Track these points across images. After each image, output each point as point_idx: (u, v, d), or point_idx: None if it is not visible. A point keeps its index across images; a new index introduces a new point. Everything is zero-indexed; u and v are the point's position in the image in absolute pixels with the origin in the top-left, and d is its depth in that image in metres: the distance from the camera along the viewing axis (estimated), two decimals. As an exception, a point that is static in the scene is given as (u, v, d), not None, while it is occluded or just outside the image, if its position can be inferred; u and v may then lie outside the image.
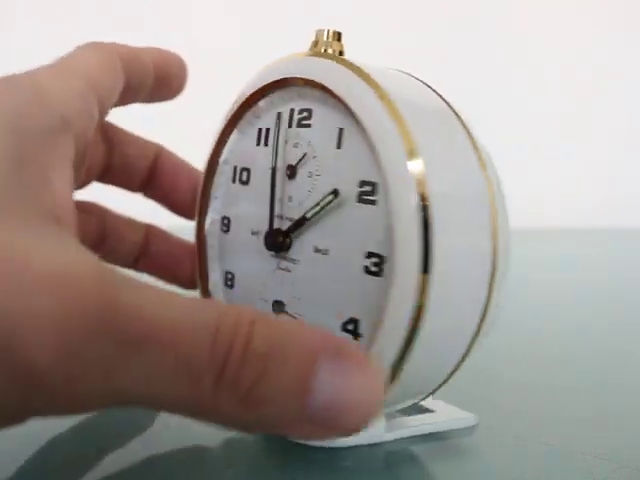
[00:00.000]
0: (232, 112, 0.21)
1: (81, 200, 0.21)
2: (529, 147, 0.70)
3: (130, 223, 0.24)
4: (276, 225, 0.19)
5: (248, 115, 0.20)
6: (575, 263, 0.54)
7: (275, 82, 0.19)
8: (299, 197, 0.18)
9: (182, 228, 0.25)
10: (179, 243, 0.24)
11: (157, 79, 0.21)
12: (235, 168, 0.21)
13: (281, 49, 0.21)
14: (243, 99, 0.20)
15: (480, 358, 0.28)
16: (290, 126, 0.19)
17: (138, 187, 0.24)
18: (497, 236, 0.17)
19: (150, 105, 0.22)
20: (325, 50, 0.18)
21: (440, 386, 0.19)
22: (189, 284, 0.24)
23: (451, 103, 0.18)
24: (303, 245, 0.18)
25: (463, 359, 0.18)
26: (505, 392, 0.25)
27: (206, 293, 0.22)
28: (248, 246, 0.20)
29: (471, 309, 0.17)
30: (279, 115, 0.19)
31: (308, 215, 0.18)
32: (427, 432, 0.20)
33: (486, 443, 0.21)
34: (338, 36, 0.19)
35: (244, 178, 0.21)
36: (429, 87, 0.19)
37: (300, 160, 0.18)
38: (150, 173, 0.23)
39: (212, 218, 0.22)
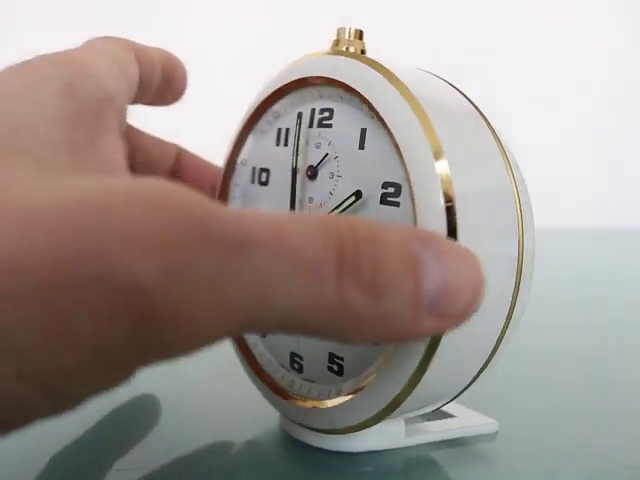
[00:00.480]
0: (251, 112, 0.20)
1: None
2: (529, 147, 0.71)
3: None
4: None
5: (267, 115, 0.20)
6: (575, 263, 0.54)
7: (295, 81, 0.19)
8: (320, 198, 0.18)
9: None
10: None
11: (162, 81, 0.20)
12: (254, 169, 0.21)
13: (297, 49, 0.21)
14: (263, 99, 0.20)
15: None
16: (311, 126, 0.19)
17: None
18: (523, 238, 0.17)
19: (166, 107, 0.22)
20: (347, 49, 0.18)
21: (464, 390, 0.19)
22: None
23: (476, 104, 0.18)
24: None
25: (487, 363, 0.18)
26: (505, 391, 0.25)
27: None
28: None
29: (497, 312, 0.17)
30: (300, 115, 0.19)
31: None
32: (448, 438, 0.20)
33: (484, 442, 0.21)
34: (360, 34, 0.18)
35: (263, 179, 0.20)
36: (454, 87, 0.19)
37: (321, 161, 0.18)
38: (172, 174, 0.22)
39: None
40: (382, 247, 0.12)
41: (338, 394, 0.18)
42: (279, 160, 0.20)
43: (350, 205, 0.17)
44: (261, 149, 0.21)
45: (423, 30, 0.67)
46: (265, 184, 0.20)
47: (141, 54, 0.19)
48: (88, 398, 0.11)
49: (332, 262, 0.11)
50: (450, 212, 0.15)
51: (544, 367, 0.28)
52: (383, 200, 0.17)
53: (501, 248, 0.17)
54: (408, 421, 0.20)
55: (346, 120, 0.18)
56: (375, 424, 0.17)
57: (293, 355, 0.19)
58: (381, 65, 0.17)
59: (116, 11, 0.60)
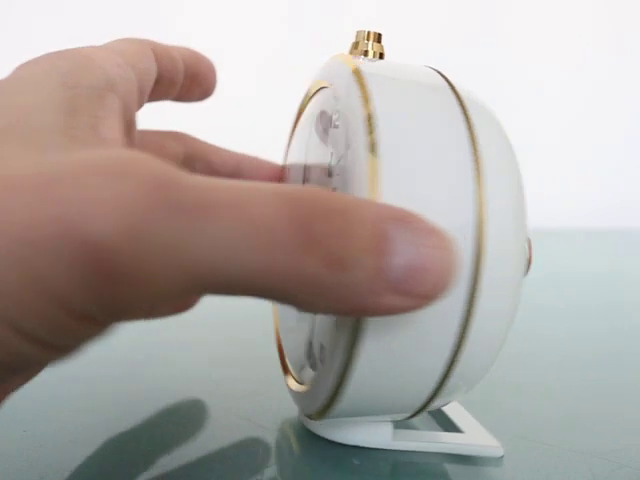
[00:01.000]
0: (296, 115, 0.21)
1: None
2: (528, 147, 0.71)
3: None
4: None
5: (304, 116, 0.21)
6: (575, 263, 0.54)
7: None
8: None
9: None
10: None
11: (187, 77, 0.21)
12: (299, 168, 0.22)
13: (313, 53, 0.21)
14: (300, 103, 0.21)
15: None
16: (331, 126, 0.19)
17: None
18: (483, 198, 0.14)
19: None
20: (366, 52, 0.18)
21: (436, 393, 0.17)
22: None
23: (457, 87, 0.17)
24: None
25: (454, 357, 0.16)
26: (504, 392, 0.25)
27: None
28: None
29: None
30: (321, 114, 0.19)
31: None
32: (435, 451, 0.20)
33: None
34: (378, 37, 0.19)
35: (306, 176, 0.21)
36: (449, 84, 0.17)
37: (333, 161, 0.18)
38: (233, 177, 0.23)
39: None
40: (351, 221, 0.12)
41: (303, 383, 0.19)
42: (318, 159, 0.20)
43: None
44: (300, 149, 0.21)
45: (422, 30, 0.67)
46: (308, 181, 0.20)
47: (159, 50, 0.19)
48: (72, 348, 0.12)
49: (291, 231, 0.11)
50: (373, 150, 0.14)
51: (543, 369, 0.28)
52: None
53: (438, 205, 0.14)
54: (398, 425, 0.20)
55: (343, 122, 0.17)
56: (322, 418, 0.17)
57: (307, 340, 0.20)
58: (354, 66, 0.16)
59: (131, 19, 0.60)
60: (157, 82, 0.19)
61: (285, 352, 0.22)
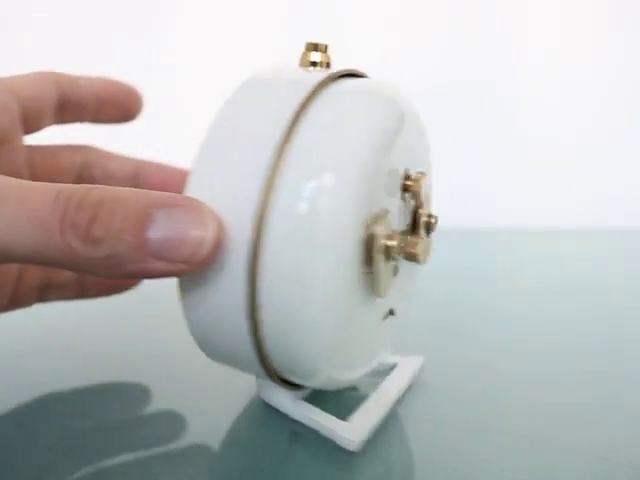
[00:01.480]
0: None
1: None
2: (529, 147, 0.71)
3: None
4: None
5: None
6: (576, 263, 0.54)
7: None
8: None
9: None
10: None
11: (99, 102, 0.26)
12: None
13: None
14: None
15: (480, 356, 0.29)
16: None
17: None
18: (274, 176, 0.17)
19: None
20: (314, 62, 0.19)
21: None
22: None
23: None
24: None
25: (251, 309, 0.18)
26: (505, 389, 0.25)
27: None
28: None
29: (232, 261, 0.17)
30: None
31: None
32: (311, 425, 0.21)
33: (485, 443, 0.21)
34: (325, 48, 0.20)
35: None
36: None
37: None
38: (134, 183, 0.27)
39: None
40: (105, 208, 0.16)
41: None
42: None
43: None
44: None
45: (423, 32, 0.68)
46: None
47: (64, 80, 0.24)
48: None
49: (57, 218, 0.15)
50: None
51: (543, 365, 0.28)
52: None
53: (225, 197, 0.17)
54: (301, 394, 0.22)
55: None
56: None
57: None
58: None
59: (129, 21, 0.61)
60: (63, 106, 0.25)
61: None
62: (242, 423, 0.22)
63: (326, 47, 0.19)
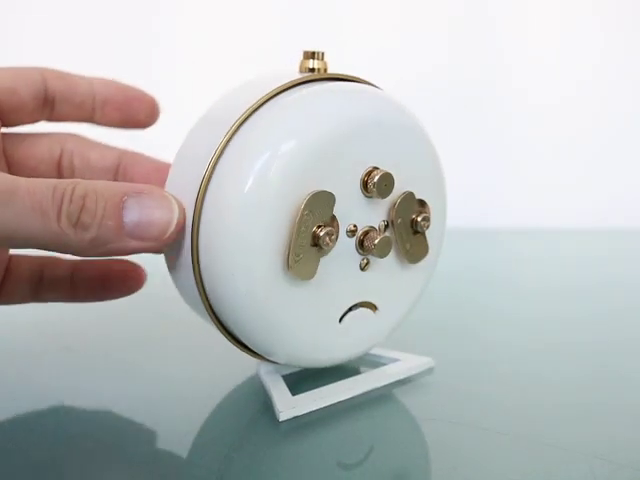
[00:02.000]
0: None
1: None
2: (529, 147, 0.71)
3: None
4: None
5: None
6: (576, 263, 0.54)
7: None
8: None
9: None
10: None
11: (100, 103, 0.26)
12: None
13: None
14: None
15: (480, 355, 0.29)
16: None
17: None
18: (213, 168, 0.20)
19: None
20: (312, 69, 0.20)
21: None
22: None
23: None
24: None
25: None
26: (505, 389, 0.25)
27: None
28: None
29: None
30: None
31: None
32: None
33: (486, 443, 0.21)
34: (322, 55, 0.21)
35: None
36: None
37: None
38: (115, 173, 0.27)
39: None
40: (90, 199, 0.19)
41: None
42: None
43: None
44: None
45: (424, 33, 0.68)
46: None
47: (53, 76, 0.25)
48: None
49: (56, 209, 0.18)
50: None
51: (543, 366, 0.28)
52: None
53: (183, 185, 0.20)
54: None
55: None
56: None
57: None
58: None
59: (129, 23, 0.61)
60: (53, 102, 0.25)
61: None
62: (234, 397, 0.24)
63: (323, 54, 0.20)
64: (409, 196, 0.22)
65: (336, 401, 0.23)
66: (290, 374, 0.25)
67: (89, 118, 0.27)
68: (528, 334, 0.33)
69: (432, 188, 0.24)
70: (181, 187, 0.20)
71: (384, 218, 0.22)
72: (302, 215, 0.19)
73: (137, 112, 0.27)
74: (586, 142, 0.71)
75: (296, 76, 0.20)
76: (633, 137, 0.72)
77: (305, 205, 0.19)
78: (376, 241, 0.21)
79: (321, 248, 0.20)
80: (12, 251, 0.26)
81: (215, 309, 0.21)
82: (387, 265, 0.23)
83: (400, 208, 0.22)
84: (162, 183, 0.22)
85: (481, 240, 0.61)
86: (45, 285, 0.26)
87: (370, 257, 0.22)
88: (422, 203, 0.23)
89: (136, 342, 0.30)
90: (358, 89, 0.21)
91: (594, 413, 0.23)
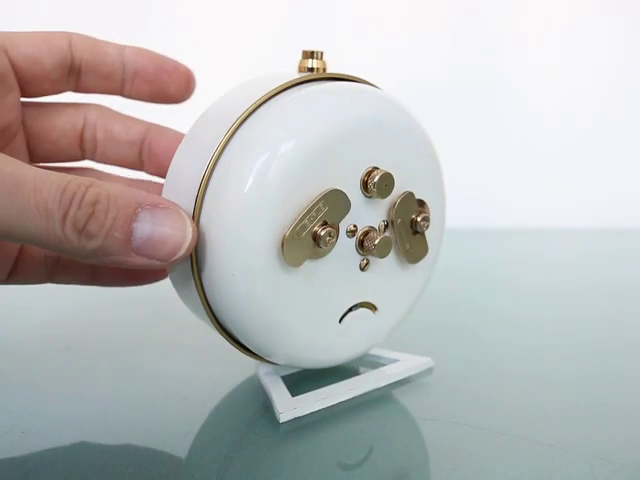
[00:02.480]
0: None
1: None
2: (529, 147, 0.71)
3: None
4: None
5: None
6: (576, 263, 0.54)
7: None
8: None
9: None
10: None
11: (130, 74, 0.24)
12: None
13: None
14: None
15: (480, 355, 0.29)
16: None
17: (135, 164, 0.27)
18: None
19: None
20: (311, 68, 0.20)
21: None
22: None
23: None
24: None
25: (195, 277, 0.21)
26: (505, 389, 0.25)
27: None
28: None
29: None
30: None
31: None
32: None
33: (486, 444, 0.21)
34: (321, 55, 0.21)
35: None
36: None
37: None
38: (140, 147, 0.26)
39: None
40: (100, 208, 0.17)
41: None
42: None
43: None
44: None
45: (422, 33, 0.68)
46: None
47: (83, 44, 0.23)
48: None
49: (62, 213, 0.17)
50: None
51: (543, 366, 0.28)
52: None
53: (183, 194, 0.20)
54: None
55: None
56: None
57: None
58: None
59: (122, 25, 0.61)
60: (79, 72, 0.24)
61: None
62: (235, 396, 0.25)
63: (322, 54, 0.20)
64: (409, 196, 0.22)
65: (336, 402, 0.23)
66: (289, 375, 0.25)
67: (118, 90, 0.25)
68: (528, 334, 0.33)
69: (431, 188, 0.24)
70: (180, 187, 0.20)
71: (384, 218, 0.22)
72: (317, 202, 0.19)
73: (168, 85, 0.25)
74: (586, 142, 0.71)
75: (295, 76, 0.20)
76: (633, 137, 0.72)
77: (323, 196, 0.19)
78: (376, 241, 0.21)
79: (320, 247, 0.20)
80: None
81: (214, 310, 0.21)
82: (387, 265, 0.23)
83: (400, 208, 0.22)
84: None
85: (481, 240, 0.61)
86: (62, 266, 0.25)
87: (370, 257, 0.22)
88: (421, 203, 0.23)
89: (136, 342, 0.30)
90: (357, 89, 0.21)
91: (594, 413, 0.23)
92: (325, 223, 0.20)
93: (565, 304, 0.39)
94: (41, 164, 0.26)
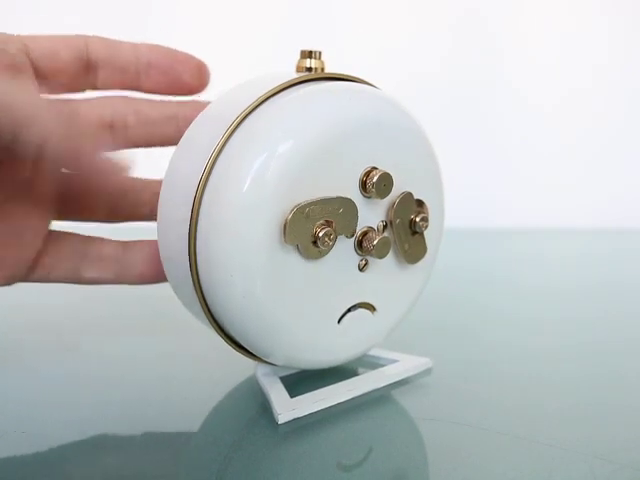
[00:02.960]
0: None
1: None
2: (529, 148, 0.71)
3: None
4: None
5: None
6: (576, 263, 0.54)
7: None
8: None
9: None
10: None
11: (143, 67, 0.25)
12: None
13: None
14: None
15: (479, 355, 0.29)
16: None
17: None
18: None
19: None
20: (309, 68, 0.20)
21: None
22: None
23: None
24: None
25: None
26: (505, 389, 0.25)
27: None
28: None
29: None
30: None
31: None
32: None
33: (486, 444, 0.21)
34: (319, 55, 0.21)
35: None
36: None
37: None
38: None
39: None
40: None
41: None
42: None
43: None
44: None
45: (422, 33, 0.68)
46: None
47: (99, 44, 0.24)
48: None
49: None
50: None
51: (543, 366, 0.28)
52: None
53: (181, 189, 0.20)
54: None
55: None
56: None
57: None
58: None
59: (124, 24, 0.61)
60: (96, 69, 0.25)
61: None
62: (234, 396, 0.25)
63: (320, 53, 0.20)
64: (408, 196, 0.22)
65: (335, 403, 0.23)
66: (288, 376, 0.25)
67: (135, 83, 0.26)
68: (527, 334, 0.33)
69: (430, 188, 0.23)
70: (179, 186, 0.20)
71: (382, 218, 0.22)
72: (337, 201, 0.20)
73: (182, 74, 0.25)
74: (586, 142, 0.71)
75: (293, 76, 0.20)
76: (633, 137, 0.72)
77: (343, 201, 0.20)
78: (375, 242, 0.21)
79: (317, 247, 0.20)
80: (54, 227, 0.25)
81: (213, 311, 0.21)
82: (385, 266, 0.23)
83: (399, 208, 0.22)
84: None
85: (481, 240, 0.61)
86: (89, 262, 0.25)
87: (369, 258, 0.22)
88: (420, 203, 0.23)
89: (135, 342, 0.30)
90: (356, 89, 0.21)
91: (594, 413, 0.23)
92: (327, 223, 0.20)
93: (565, 304, 0.39)
94: None
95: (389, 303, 0.24)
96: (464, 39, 0.69)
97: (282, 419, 0.22)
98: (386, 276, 0.23)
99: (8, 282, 0.24)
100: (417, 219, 0.23)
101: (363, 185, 0.21)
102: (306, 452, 0.20)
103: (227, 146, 0.19)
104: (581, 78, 0.71)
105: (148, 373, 0.27)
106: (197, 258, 0.20)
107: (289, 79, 0.20)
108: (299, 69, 0.21)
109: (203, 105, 0.26)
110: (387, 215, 0.22)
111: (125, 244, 0.26)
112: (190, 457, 0.20)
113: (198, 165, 0.19)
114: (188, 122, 0.25)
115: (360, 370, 0.26)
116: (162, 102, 0.26)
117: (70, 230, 0.26)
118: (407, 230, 0.23)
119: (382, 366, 0.26)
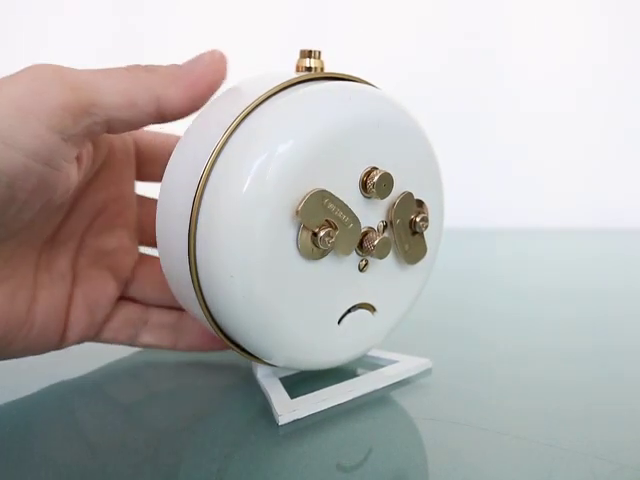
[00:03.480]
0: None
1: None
2: (529, 148, 0.71)
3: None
4: None
5: None
6: (576, 263, 0.54)
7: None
8: None
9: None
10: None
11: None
12: None
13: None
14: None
15: (479, 356, 0.29)
16: None
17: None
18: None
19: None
20: (309, 68, 0.20)
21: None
22: None
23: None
24: None
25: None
26: (505, 389, 0.25)
27: None
28: None
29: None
30: None
31: None
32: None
33: (486, 444, 0.21)
34: (318, 54, 0.21)
35: None
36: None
37: None
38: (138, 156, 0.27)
39: None
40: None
41: None
42: None
43: None
44: None
45: (422, 33, 0.68)
46: None
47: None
48: (57, 164, 0.19)
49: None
50: None
51: (543, 366, 0.28)
52: None
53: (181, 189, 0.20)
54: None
55: None
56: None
57: None
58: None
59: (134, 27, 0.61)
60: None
61: None
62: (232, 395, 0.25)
63: (319, 53, 0.20)
64: (408, 196, 0.22)
65: (335, 404, 0.23)
66: (288, 376, 0.25)
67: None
68: (527, 334, 0.33)
69: (430, 188, 0.23)
70: (179, 186, 0.20)
71: (383, 219, 0.22)
72: (351, 213, 0.20)
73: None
74: (586, 142, 0.71)
75: (293, 75, 0.20)
76: (633, 137, 0.72)
77: (355, 216, 0.20)
78: (375, 242, 0.21)
79: (317, 247, 0.20)
80: (133, 293, 0.27)
81: (212, 312, 0.21)
82: (385, 266, 0.23)
83: (399, 209, 0.22)
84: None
85: (481, 240, 0.61)
86: (149, 329, 0.27)
87: (369, 258, 0.22)
88: (420, 203, 0.23)
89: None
90: (356, 88, 0.21)
91: (594, 414, 0.23)
92: (331, 226, 0.20)
93: (565, 304, 0.39)
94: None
95: (389, 303, 0.24)
96: (464, 39, 0.69)
97: (282, 420, 0.22)
98: (386, 276, 0.23)
99: (79, 342, 0.25)
100: (417, 219, 0.23)
101: (363, 185, 0.21)
102: (306, 452, 0.20)
103: (226, 146, 0.19)
104: (581, 78, 0.71)
105: (148, 373, 0.27)
106: (197, 258, 0.20)
107: (289, 79, 0.20)
108: (299, 69, 0.21)
109: None
110: (387, 215, 0.22)
111: (181, 314, 0.27)
112: (191, 457, 0.20)
113: (198, 165, 0.19)
114: None
115: (360, 371, 0.26)
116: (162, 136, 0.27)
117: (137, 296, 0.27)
118: (407, 230, 0.23)
119: (382, 367, 0.26)
